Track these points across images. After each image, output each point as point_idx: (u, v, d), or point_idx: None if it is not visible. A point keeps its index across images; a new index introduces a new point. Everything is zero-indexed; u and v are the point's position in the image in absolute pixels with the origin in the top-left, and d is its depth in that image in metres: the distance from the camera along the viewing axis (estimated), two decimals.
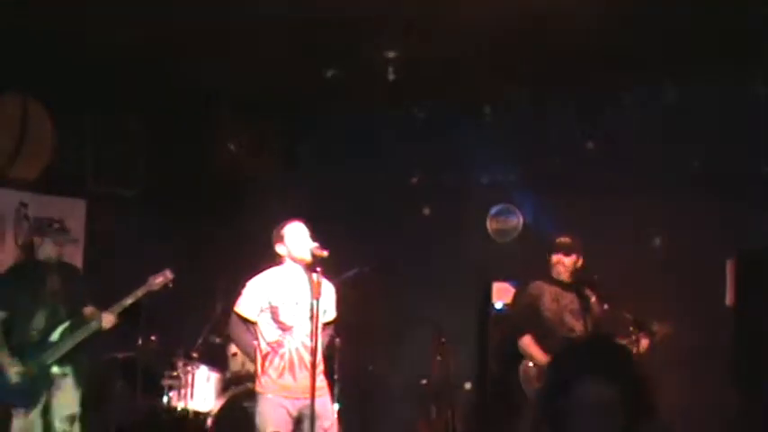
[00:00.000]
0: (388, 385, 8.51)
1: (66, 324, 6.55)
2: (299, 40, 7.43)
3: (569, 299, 6.64)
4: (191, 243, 8.44)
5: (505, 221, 8.41)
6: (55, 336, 6.51)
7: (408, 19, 6.91)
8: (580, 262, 6.75)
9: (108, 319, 6.53)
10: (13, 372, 6.35)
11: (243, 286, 6.02)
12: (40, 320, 6.52)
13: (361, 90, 8.20)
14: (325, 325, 5.96)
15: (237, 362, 7.95)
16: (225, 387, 7.89)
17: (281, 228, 5.89)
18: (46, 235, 6.64)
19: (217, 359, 8.07)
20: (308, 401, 5.59)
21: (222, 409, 7.55)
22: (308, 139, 9.00)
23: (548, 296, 6.64)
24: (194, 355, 7.87)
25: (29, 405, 6.43)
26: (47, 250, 6.62)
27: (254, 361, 6.04)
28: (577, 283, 6.69)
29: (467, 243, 8.36)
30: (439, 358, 7.77)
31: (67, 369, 6.57)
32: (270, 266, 6.03)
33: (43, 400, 6.49)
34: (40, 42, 7.34)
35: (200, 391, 7.87)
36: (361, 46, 7.48)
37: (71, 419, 6.55)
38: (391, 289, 8.47)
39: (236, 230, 8.47)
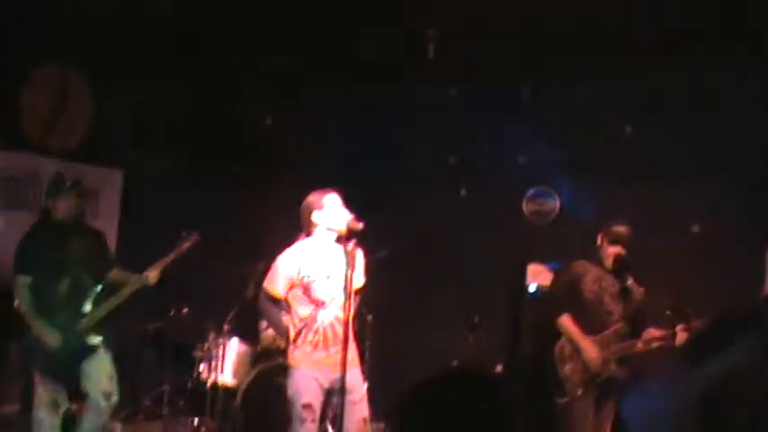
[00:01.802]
0: (419, 365, 8.45)
1: (96, 291, 6.39)
2: (338, 14, 7.42)
3: (610, 282, 6.56)
4: (225, 215, 8.43)
5: (542, 204, 8.34)
6: (87, 304, 6.33)
7: None
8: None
9: (154, 274, 6.39)
10: (52, 340, 6.20)
11: (273, 260, 5.90)
12: (64, 286, 6.33)
13: (400, 68, 8.17)
14: (356, 292, 5.87)
15: (268, 336, 7.94)
16: (255, 361, 7.89)
17: (320, 196, 5.80)
18: (59, 194, 6.41)
19: (248, 333, 8.07)
20: (339, 374, 5.55)
21: (252, 383, 7.53)
22: (344, 115, 8.94)
23: (590, 277, 6.56)
24: (226, 328, 7.86)
25: (62, 376, 6.30)
26: (62, 210, 6.40)
27: (284, 336, 6.00)
28: (620, 268, 6.61)
29: (502, 224, 8.29)
30: (471, 339, 7.74)
31: (100, 337, 6.40)
32: (298, 239, 5.95)
33: (77, 370, 6.34)
34: (81, 12, 7.39)
35: (231, 364, 7.88)
36: (402, 22, 7.47)
37: (107, 395, 6.34)
38: (425, 269, 8.44)
39: (270, 204, 8.46)
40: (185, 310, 7.96)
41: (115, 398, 6.39)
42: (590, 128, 7.96)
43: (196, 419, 7.78)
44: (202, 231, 7.05)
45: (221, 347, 7.80)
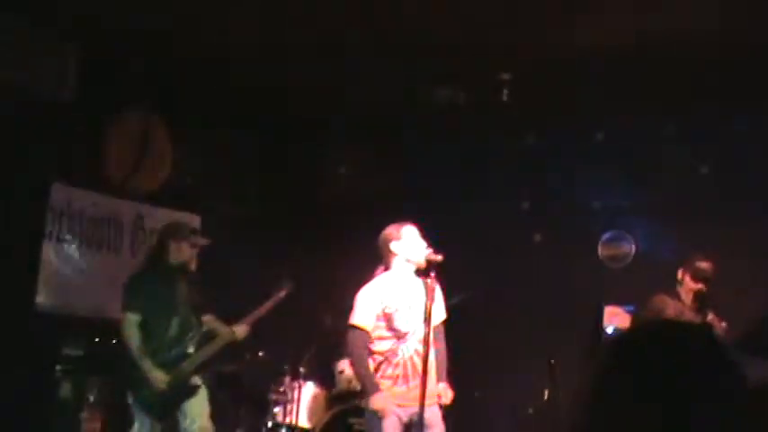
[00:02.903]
0: (495, 412, 8.39)
1: (199, 333, 6.47)
2: (412, 63, 7.52)
3: (691, 316, 6.51)
4: (300, 260, 8.48)
5: (618, 248, 8.29)
6: (191, 346, 6.39)
7: (522, 43, 6.97)
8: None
9: (243, 330, 6.53)
10: (159, 382, 6.21)
11: (353, 299, 5.85)
12: (174, 328, 6.37)
13: (473, 115, 8.24)
14: (436, 328, 5.84)
15: (344, 379, 7.94)
16: (330, 404, 7.88)
17: (398, 228, 5.81)
18: (184, 238, 6.52)
19: (324, 376, 8.07)
20: (418, 409, 5.49)
21: (327, 426, 7.49)
22: (419, 163, 9.03)
23: (670, 311, 6.52)
24: (301, 370, 7.87)
25: (165, 416, 6.33)
26: (182, 254, 6.50)
27: (366, 380, 5.86)
28: (699, 302, 6.58)
29: (578, 267, 8.25)
30: (547, 390, 7.65)
31: (200, 380, 6.47)
32: (376, 274, 5.92)
33: (176, 410, 6.37)
34: (162, 59, 7.60)
35: (306, 407, 7.87)
36: (475, 70, 7.54)
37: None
38: (501, 315, 8.42)
39: (344, 249, 8.53)
40: (261, 354, 8.00)
41: None
42: (664, 168, 7.93)
43: None
44: (277, 276, 7.11)
45: (296, 390, 7.81)
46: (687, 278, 6.56)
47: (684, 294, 6.56)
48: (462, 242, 8.39)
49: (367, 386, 5.72)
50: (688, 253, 6.86)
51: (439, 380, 5.82)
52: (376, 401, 5.59)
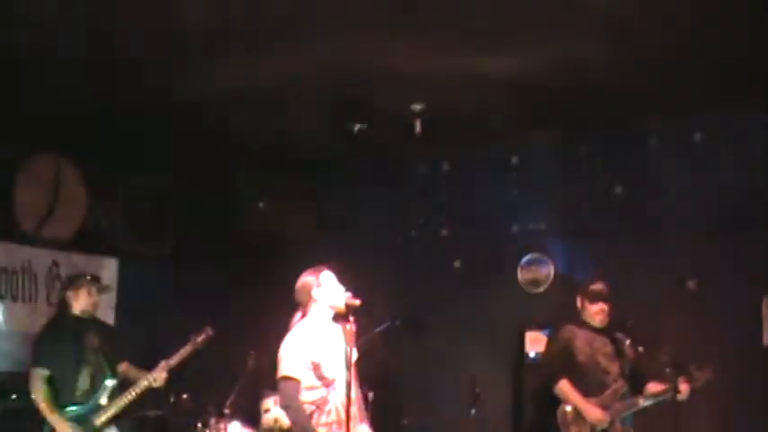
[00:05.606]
0: None
1: (112, 384, 6.41)
2: (325, 96, 7.52)
3: (602, 342, 6.66)
4: (220, 300, 8.43)
5: (537, 271, 8.37)
6: (103, 398, 6.35)
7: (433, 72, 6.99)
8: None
9: (161, 377, 6.46)
10: None
11: (277, 349, 5.68)
12: (84, 380, 6.37)
13: (388, 144, 8.27)
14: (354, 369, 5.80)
15: (270, 418, 7.88)
16: None
17: (317, 274, 5.76)
18: (80, 287, 6.53)
19: (249, 415, 8.00)
20: None
21: None
22: (336, 194, 9.03)
23: (580, 339, 6.66)
24: (226, 411, 7.79)
25: None
26: (82, 303, 6.51)
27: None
28: (609, 328, 6.68)
29: (498, 293, 8.32)
30: (473, 412, 7.69)
31: (115, 430, 6.42)
32: (294, 320, 5.81)
33: None
34: (71, 103, 7.47)
35: None
36: (387, 100, 7.56)
37: None
38: (423, 342, 8.44)
39: (265, 287, 8.48)
40: (185, 396, 7.89)
41: None
42: (579, 191, 8.04)
43: None
44: (198, 316, 7.05)
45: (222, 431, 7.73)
46: (585, 303, 6.71)
47: (589, 319, 6.69)
48: (382, 271, 8.44)
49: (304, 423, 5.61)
50: (606, 272, 6.99)
51: (362, 419, 5.81)
52: None
